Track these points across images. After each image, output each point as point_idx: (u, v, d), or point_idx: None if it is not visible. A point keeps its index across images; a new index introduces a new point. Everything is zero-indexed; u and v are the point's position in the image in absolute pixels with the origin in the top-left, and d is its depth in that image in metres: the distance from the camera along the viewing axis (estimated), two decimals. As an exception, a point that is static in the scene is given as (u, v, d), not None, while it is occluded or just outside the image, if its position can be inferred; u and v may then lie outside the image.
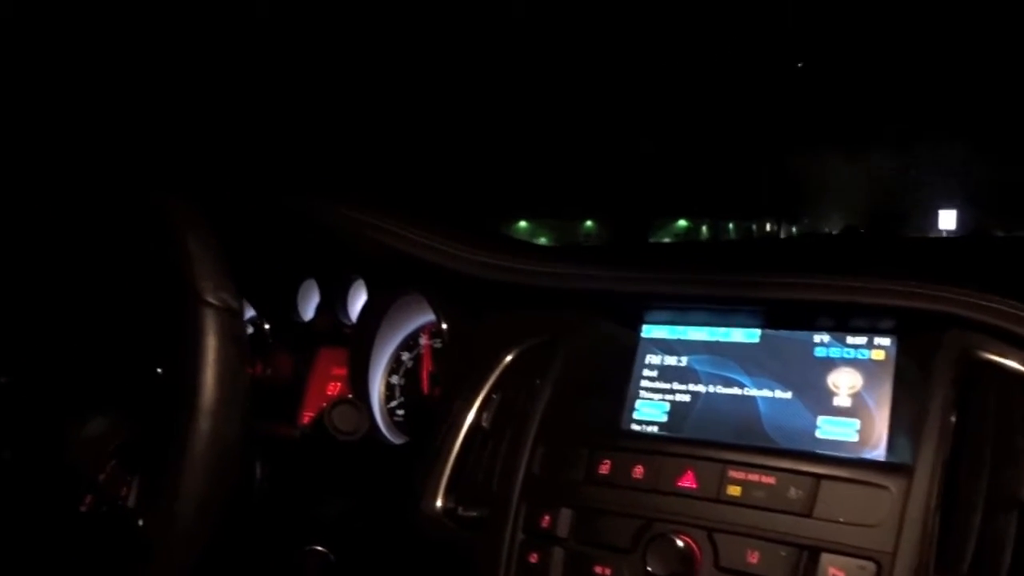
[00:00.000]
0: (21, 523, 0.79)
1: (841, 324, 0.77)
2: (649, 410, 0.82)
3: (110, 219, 0.84)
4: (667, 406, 0.82)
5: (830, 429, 0.73)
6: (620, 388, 0.84)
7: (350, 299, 1.07)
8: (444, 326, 0.95)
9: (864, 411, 0.73)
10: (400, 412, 1.02)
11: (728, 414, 0.78)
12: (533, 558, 0.74)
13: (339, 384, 1.06)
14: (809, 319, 0.78)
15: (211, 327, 0.66)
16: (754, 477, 0.68)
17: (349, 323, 1.06)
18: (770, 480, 0.67)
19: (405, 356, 1.03)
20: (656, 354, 0.85)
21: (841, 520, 0.64)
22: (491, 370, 0.88)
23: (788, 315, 0.79)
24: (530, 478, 0.78)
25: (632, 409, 0.83)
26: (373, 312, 1.01)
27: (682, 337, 0.84)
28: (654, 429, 0.81)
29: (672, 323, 0.85)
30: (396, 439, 0.98)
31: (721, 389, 0.80)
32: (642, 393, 0.83)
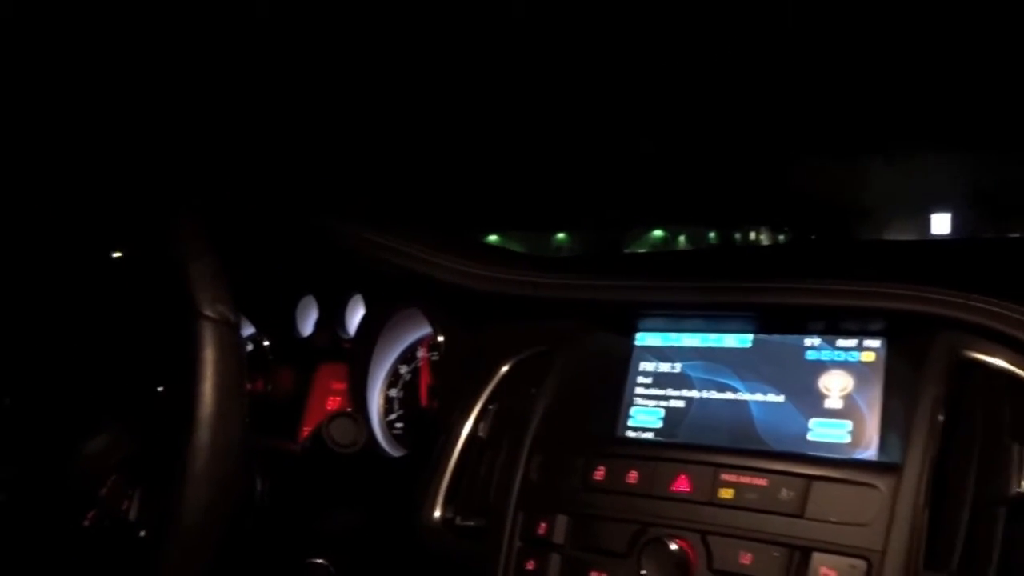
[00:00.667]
0: (25, 541, 0.80)
1: (832, 327, 0.78)
2: (644, 417, 0.83)
3: (110, 235, 0.85)
4: (662, 412, 0.82)
5: (822, 431, 0.74)
6: (615, 396, 0.85)
7: (348, 314, 1.08)
8: (441, 339, 0.96)
9: (855, 412, 0.74)
10: (399, 425, 1.03)
11: (722, 419, 0.79)
12: (530, 565, 0.74)
13: (339, 399, 1.07)
14: (800, 323, 0.79)
15: (209, 340, 0.67)
16: (746, 479, 0.69)
17: (348, 338, 1.07)
18: (762, 482, 0.68)
19: (403, 369, 1.04)
20: (650, 361, 0.86)
21: (832, 520, 0.64)
22: (488, 381, 0.89)
23: (780, 319, 0.80)
24: (527, 486, 0.79)
25: (627, 416, 0.84)
26: (371, 326, 1.03)
27: (675, 344, 0.85)
28: (649, 435, 0.82)
29: (666, 330, 0.86)
30: (395, 452, 0.99)
31: (714, 394, 0.81)
32: (637, 400, 0.84)
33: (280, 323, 1.13)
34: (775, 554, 0.65)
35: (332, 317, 1.09)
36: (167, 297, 0.73)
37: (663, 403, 0.83)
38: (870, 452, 0.71)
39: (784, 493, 0.67)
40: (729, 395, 0.80)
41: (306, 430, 1.05)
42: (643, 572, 0.68)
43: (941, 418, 0.66)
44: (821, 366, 0.77)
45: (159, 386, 0.88)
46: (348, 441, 0.85)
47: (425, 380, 1.02)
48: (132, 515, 0.73)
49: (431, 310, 0.98)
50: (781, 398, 0.77)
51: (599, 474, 0.76)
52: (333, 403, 1.07)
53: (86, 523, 0.75)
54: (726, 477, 0.70)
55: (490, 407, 0.88)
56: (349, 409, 1.00)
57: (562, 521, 0.75)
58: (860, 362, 0.75)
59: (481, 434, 0.86)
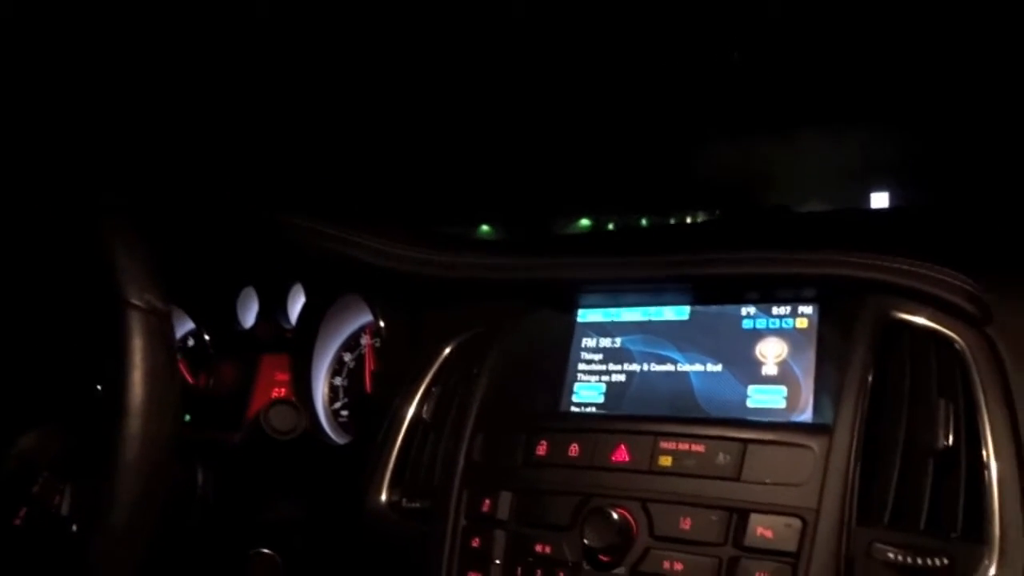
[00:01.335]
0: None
1: (766, 296, 0.79)
2: (587, 392, 0.84)
3: (37, 228, 0.83)
4: (603, 387, 0.83)
5: (759, 397, 0.75)
6: (558, 373, 0.85)
7: (289, 304, 1.07)
8: (382, 324, 0.95)
9: (790, 378, 0.75)
10: (345, 413, 1.02)
11: (662, 390, 0.80)
12: (475, 542, 0.74)
13: (283, 389, 1.05)
14: (736, 293, 0.80)
15: (137, 329, 0.66)
16: (684, 446, 0.70)
17: (290, 328, 1.06)
18: (699, 448, 0.69)
19: (347, 357, 1.03)
20: (592, 337, 0.86)
21: (768, 481, 0.65)
22: (430, 364, 0.89)
23: (716, 290, 0.81)
24: (470, 465, 0.79)
25: (571, 392, 0.84)
26: (312, 315, 1.01)
27: (616, 319, 0.86)
28: (592, 410, 0.82)
29: (606, 306, 0.87)
30: (342, 439, 0.98)
31: (655, 367, 0.81)
32: (580, 376, 0.85)
33: (220, 316, 1.11)
34: (714, 517, 0.66)
35: (273, 307, 1.07)
36: (95, 288, 0.71)
37: (605, 378, 0.83)
38: (805, 415, 0.72)
39: (721, 458, 0.68)
40: (669, 367, 0.81)
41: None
42: (586, 542, 0.68)
43: (871, 378, 0.67)
44: (757, 334, 0.78)
45: (93, 382, 0.86)
46: (287, 427, 0.84)
47: (369, 367, 1.02)
48: (64, 510, 0.71)
49: (372, 296, 0.97)
50: (719, 367, 0.78)
51: (541, 449, 0.76)
52: (278, 394, 1.05)
53: (17, 522, 0.73)
54: (664, 445, 0.70)
55: (433, 389, 0.87)
56: (293, 399, 0.98)
57: (506, 497, 0.75)
58: (794, 329, 0.77)
59: (425, 416, 0.86)
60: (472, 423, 0.81)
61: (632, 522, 0.68)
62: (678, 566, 0.65)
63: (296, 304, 1.07)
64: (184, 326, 1.14)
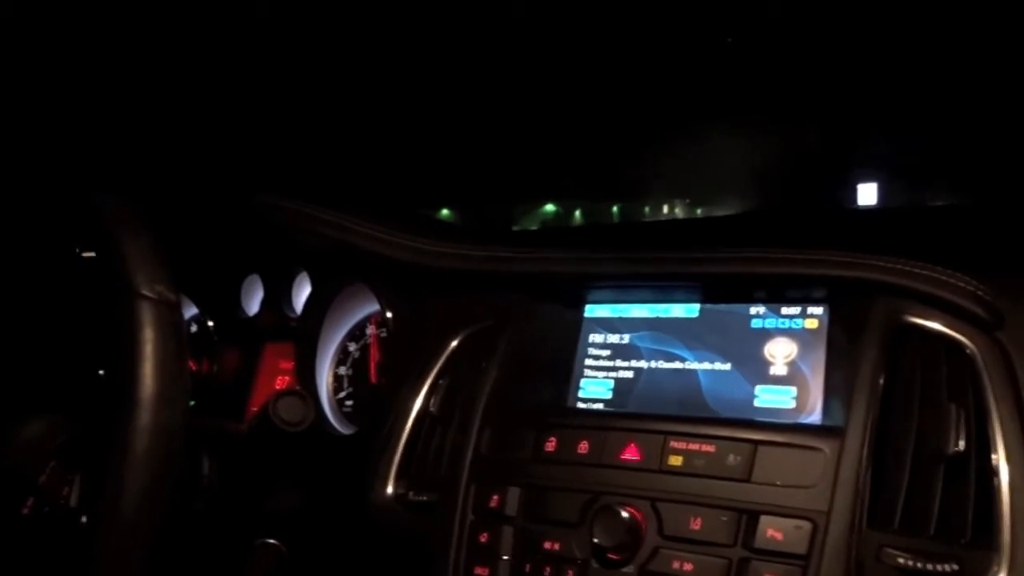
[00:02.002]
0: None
1: (776, 295, 0.79)
2: (594, 388, 0.84)
3: (46, 218, 0.82)
4: (611, 383, 0.83)
5: (768, 397, 0.75)
6: (565, 368, 0.85)
7: (295, 292, 1.07)
8: (389, 315, 0.95)
9: (800, 378, 0.75)
10: (349, 403, 1.02)
11: (670, 388, 0.80)
12: (483, 538, 0.74)
13: (287, 378, 1.05)
14: (745, 292, 0.80)
15: (147, 320, 0.65)
16: (694, 446, 0.70)
17: (295, 316, 1.05)
18: (709, 448, 0.69)
19: (352, 347, 1.03)
20: (599, 333, 0.86)
21: (778, 483, 0.66)
22: (437, 356, 0.89)
23: (725, 289, 0.81)
24: (478, 460, 0.79)
25: (577, 388, 0.84)
26: (318, 304, 1.01)
27: (624, 315, 0.86)
28: (599, 406, 0.82)
29: (614, 302, 0.86)
30: (346, 430, 0.98)
31: (663, 364, 0.81)
32: (587, 372, 0.85)
33: (225, 303, 1.10)
34: (724, 518, 0.66)
35: (278, 295, 1.07)
36: (105, 278, 0.71)
37: (612, 374, 0.83)
38: (814, 416, 0.73)
39: (731, 459, 0.68)
40: (677, 364, 0.81)
41: (254, 411, 1.03)
42: (595, 540, 0.68)
43: (881, 381, 0.67)
44: (766, 334, 0.78)
45: (99, 370, 0.86)
46: (296, 419, 0.84)
47: (375, 357, 1.01)
48: (73, 501, 0.71)
49: (378, 286, 0.96)
50: (728, 366, 0.78)
51: (550, 445, 0.76)
52: (281, 383, 1.05)
53: (25, 511, 0.73)
54: (675, 444, 0.70)
55: (440, 382, 0.87)
56: (297, 388, 0.98)
57: (514, 493, 0.75)
58: (804, 329, 0.77)
59: (432, 409, 0.86)
60: (480, 417, 0.81)
61: (641, 521, 0.68)
62: (688, 566, 0.65)
63: (301, 293, 1.06)
64: (187, 311, 1.14)
